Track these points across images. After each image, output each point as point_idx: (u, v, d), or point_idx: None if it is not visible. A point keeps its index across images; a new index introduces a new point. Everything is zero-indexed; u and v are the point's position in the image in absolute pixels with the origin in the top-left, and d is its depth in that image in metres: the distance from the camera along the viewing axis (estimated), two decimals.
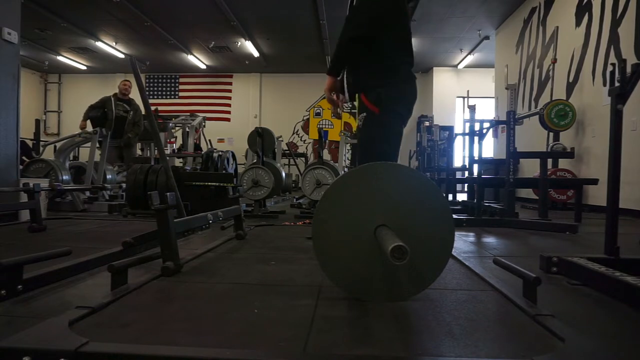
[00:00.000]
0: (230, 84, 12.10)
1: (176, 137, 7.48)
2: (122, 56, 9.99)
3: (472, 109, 5.74)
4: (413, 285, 1.39)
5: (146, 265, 1.68)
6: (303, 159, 10.22)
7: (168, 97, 12.10)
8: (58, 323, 1.05)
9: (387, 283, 1.36)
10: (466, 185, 6.23)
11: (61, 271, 1.57)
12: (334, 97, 1.98)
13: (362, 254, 1.35)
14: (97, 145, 4.80)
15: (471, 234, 3.10)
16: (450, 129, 8.62)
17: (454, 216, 3.73)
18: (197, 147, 7.09)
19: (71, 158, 5.24)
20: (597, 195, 4.90)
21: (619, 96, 1.70)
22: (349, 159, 7.18)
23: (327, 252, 1.39)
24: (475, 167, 5.08)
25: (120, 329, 1.11)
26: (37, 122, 7.95)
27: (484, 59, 9.76)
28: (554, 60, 5.81)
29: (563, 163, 5.56)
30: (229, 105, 12.11)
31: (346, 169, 5.16)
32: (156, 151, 6.20)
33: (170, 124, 6.82)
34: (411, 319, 1.25)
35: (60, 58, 10.48)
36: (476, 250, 2.43)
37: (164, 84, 12.15)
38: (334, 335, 1.09)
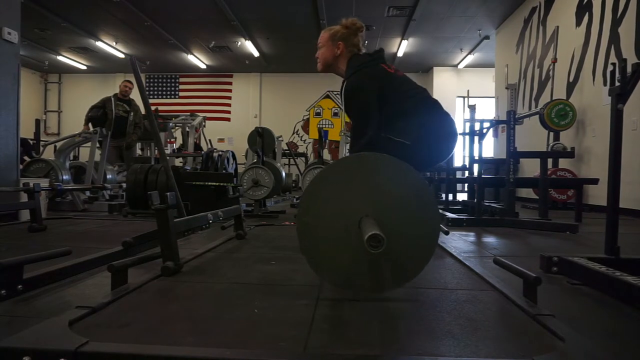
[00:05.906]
0: (230, 83, 12.09)
1: (176, 137, 7.48)
2: (122, 56, 9.98)
3: (472, 108, 5.74)
4: (395, 278, 1.38)
5: (146, 265, 1.68)
6: (303, 158, 10.21)
7: (168, 97, 12.10)
8: (58, 323, 1.05)
9: (371, 274, 1.34)
10: (466, 185, 6.23)
11: (61, 271, 1.57)
12: None
13: (347, 246, 1.33)
14: (97, 145, 4.80)
15: (471, 233, 3.09)
16: None
17: (454, 216, 3.73)
18: (197, 147, 7.09)
19: (71, 158, 5.24)
20: (598, 195, 4.90)
21: (619, 96, 1.70)
22: None
23: (314, 249, 1.37)
24: (476, 167, 5.08)
25: (120, 329, 1.11)
26: (37, 122, 7.93)
27: (484, 58, 9.76)
28: (554, 60, 5.81)
29: (563, 163, 5.55)
30: (229, 105, 12.11)
31: None
32: (156, 151, 6.21)
33: (170, 124, 6.81)
34: (411, 318, 1.24)
35: (60, 58, 10.48)
36: (476, 250, 2.43)
37: (164, 84, 12.14)
38: (334, 335, 1.10)
